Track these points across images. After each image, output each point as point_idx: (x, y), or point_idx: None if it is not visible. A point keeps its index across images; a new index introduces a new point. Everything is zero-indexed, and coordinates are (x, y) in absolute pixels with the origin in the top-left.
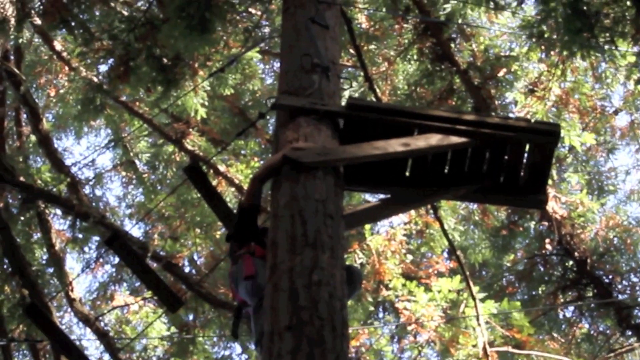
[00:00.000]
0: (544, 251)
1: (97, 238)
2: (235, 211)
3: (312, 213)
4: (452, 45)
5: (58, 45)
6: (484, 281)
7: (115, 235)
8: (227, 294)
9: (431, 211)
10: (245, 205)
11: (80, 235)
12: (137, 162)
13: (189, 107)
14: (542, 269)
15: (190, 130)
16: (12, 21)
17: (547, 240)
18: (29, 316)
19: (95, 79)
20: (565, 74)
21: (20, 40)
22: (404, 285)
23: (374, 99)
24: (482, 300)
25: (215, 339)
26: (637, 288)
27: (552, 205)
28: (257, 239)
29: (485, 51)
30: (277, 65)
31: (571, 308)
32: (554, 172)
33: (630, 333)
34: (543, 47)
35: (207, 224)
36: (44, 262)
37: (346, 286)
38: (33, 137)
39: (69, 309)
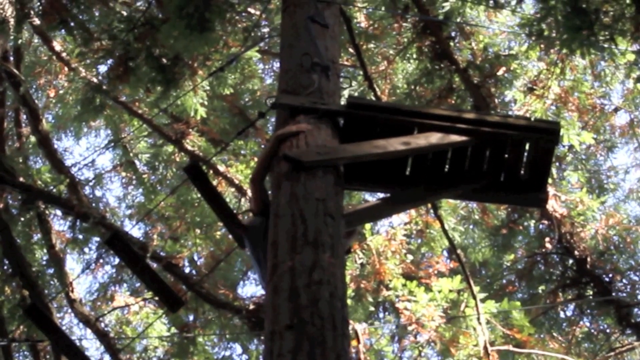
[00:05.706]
0: (544, 250)
1: (97, 238)
2: (235, 212)
3: (313, 212)
4: (452, 43)
5: (57, 46)
6: (484, 280)
7: (115, 236)
8: (227, 295)
9: (431, 211)
10: (256, 211)
11: (80, 236)
12: (136, 162)
13: (188, 107)
14: (542, 268)
15: (190, 130)
16: (12, 22)
17: (547, 239)
18: (29, 317)
19: (95, 79)
20: (565, 72)
21: (20, 41)
22: (404, 285)
23: (373, 98)
24: (483, 300)
25: (215, 339)
26: (637, 286)
27: (552, 204)
28: None
29: (484, 50)
30: (276, 65)
31: (571, 307)
32: (553, 171)
33: (630, 332)
34: (542, 46)
35: (207, 225)
36: (44, 262)
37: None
38: (33, 138)
39: (70, 310)
